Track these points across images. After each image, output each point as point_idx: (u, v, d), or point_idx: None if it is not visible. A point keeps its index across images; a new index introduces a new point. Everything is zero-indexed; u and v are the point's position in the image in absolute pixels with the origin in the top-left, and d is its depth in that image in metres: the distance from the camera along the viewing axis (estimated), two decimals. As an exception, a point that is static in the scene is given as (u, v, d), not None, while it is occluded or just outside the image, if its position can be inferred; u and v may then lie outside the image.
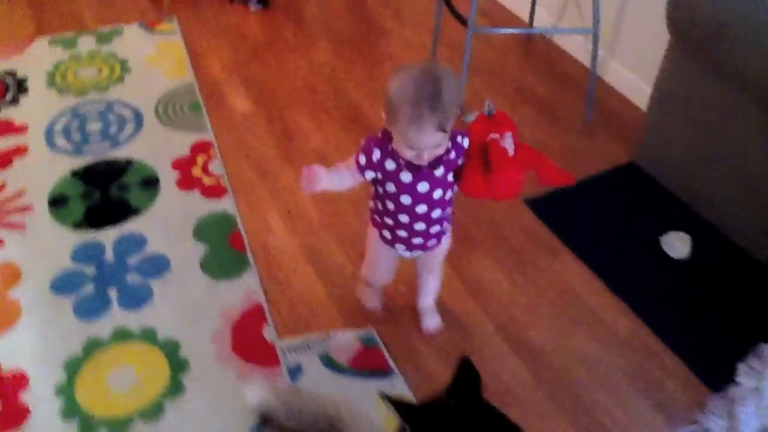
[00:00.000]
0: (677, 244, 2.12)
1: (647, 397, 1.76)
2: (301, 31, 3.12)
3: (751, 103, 1.91)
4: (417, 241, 1.61)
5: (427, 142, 1.37)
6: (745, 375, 1.73)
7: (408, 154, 1.41)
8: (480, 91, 2.75)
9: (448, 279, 1.99)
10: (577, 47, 2.89)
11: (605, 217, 2.23)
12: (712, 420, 1.69)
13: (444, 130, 1.36)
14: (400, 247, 1.64)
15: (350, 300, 1.95)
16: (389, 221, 1.58)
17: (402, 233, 1.59)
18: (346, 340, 1.85)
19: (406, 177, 1.47)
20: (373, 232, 1.67)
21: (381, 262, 1.74)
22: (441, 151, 1.42)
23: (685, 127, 2.16)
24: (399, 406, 1.21)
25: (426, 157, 1.41)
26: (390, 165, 1.46)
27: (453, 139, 1.46)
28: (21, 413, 1.68)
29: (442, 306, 1.93)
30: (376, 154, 1.46)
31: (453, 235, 1.73)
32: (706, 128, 2.09)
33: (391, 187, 1.50)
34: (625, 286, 2.01)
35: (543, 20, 3.03)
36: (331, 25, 3.19)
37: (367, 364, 1.80)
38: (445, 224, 1.63)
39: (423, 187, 1.48)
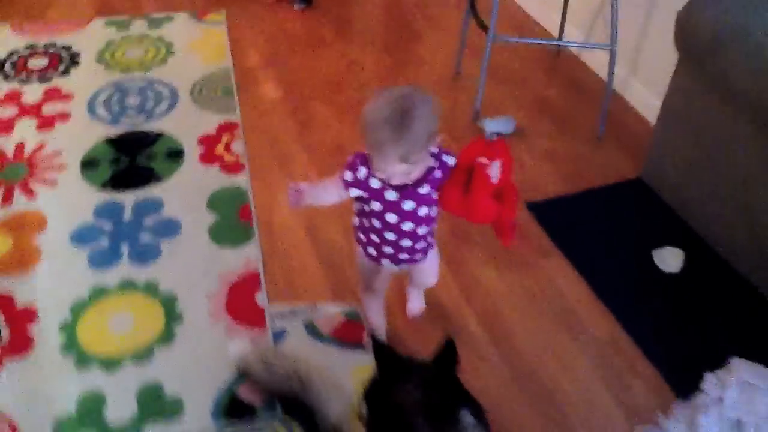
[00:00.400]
0: (669, 259, 2.15)
1: (614, 396, 1.80)
2: (338, 31, 3.27)
3: (747, 123, 1.94)
4: (403, 256, 1.63)
5: (391, 169, 1.40)
6: (711, 384, 1.75)
7: (378, 174, 1.45)
8: (500, 98, 2.83)
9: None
10: (602, 65, 2.95)
11: (602, 227, 2.28)
12: (673, 424, 1.72)
13: (407, 162, 1.38)
14: (386, 262, 1.66)
15: (342, 277, 2.06)
16: (375, 238, 1.60)
17: (388, 250, 1.61)
18: (331, 312, 1.96)
19: (391, 195, 1.48)
20: (358, 249, 1.70)
21: (372, 276, 1.75)
22: (414, 176, 1.45)
23: (688, 146, 2.20)
24: (377, 345, 1.34)
25: (396, 181, 1.44)
26: (375, 183, 1.48)
27: (439, 158, 1.49)
28: (26, 343, 1.84)
29: (429, 294, 2.00)
30: (362, 172, 1.47)
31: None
32: (706, 147, 2.13)
33: (376, 206, 1.51)
34: (611, 293, 2.05)
35: (572, 37, 3.10)
36: (367, 26, 3.34)
37: (348, 337, 1.90)
38: (430, 238, 1.65)
39: (409, 205, 1.50)
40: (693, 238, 2.22)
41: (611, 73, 2.55)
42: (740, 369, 1.74)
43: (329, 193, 1.55)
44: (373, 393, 1.35)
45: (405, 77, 2.95)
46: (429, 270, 1.79)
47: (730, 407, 1.68)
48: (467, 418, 1.27)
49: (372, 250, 1.64)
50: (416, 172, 1.44)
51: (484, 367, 1.86)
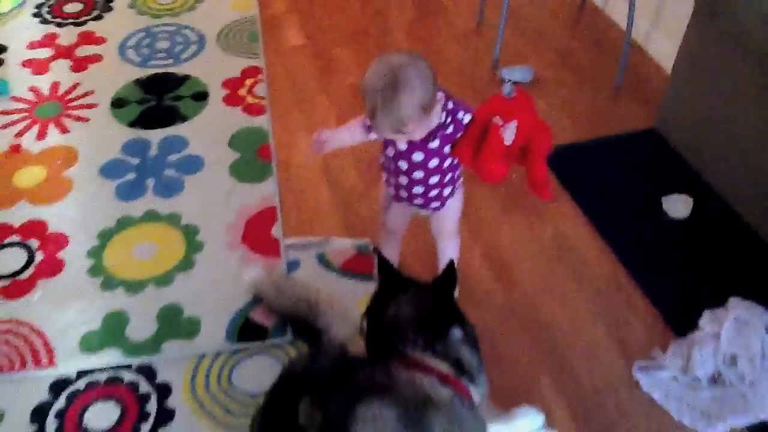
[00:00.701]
0: (678, 205, 2.18)
1: (612, 333, 1.86)
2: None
3: (759, 73, 1.94)
4: (417, 201, 1.68)
5: (388, 137, 1.48)
6: (707, 321, 1.80)
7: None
8: (522, 49, 2.85)
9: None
10: (625, 18, 2.93)
11: (612, 174, 2.31)
12: (669, 359, 1.78)
13: (401, 132, 1.43)
14: (403, 202, 1.72)
15: (354, 215, 2.14)
16: (391, 180, 1.68)
17: (403, 192, 1.67)
18: (343, 246, 2.04)
19: (402, 145, 1.54)
20: (382, 184, 1.77)
21: (387, 208, 1.81)
22: (418, 137, 1.49)
23: (700, 96, 2.20)
24: (381, 259, 1.43)
25: (398, 142, 1.52)
26: None
27: (454, 114, 1.51)
28: (57, 266, 1.98)
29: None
30: None
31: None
32: (718, 98, 2.13)
33: (390, 152, 1.59)
34: (616, 236, 2.09)
35: (598, -11, 3.09)
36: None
37: (358, 268, 1.98)
38: (447, 190, 1.67)
39: (418, 156, 1.55)
40: (701, 187, 2.24)
41: (630, 22, 2.55)
42: (737, 307, 1.79)
43: (353, 134, 1.61)
44: (373, 308, 1.43)
45: (428, 26, 2.98)
46: (445, 221, 1.79)
47: (725, 343, 1.73)
48: (456, 335, 1.35)
49: (391, 188, 1.72)
50: (419, 135, 1.48)
51: (484, 299, 1.93)
